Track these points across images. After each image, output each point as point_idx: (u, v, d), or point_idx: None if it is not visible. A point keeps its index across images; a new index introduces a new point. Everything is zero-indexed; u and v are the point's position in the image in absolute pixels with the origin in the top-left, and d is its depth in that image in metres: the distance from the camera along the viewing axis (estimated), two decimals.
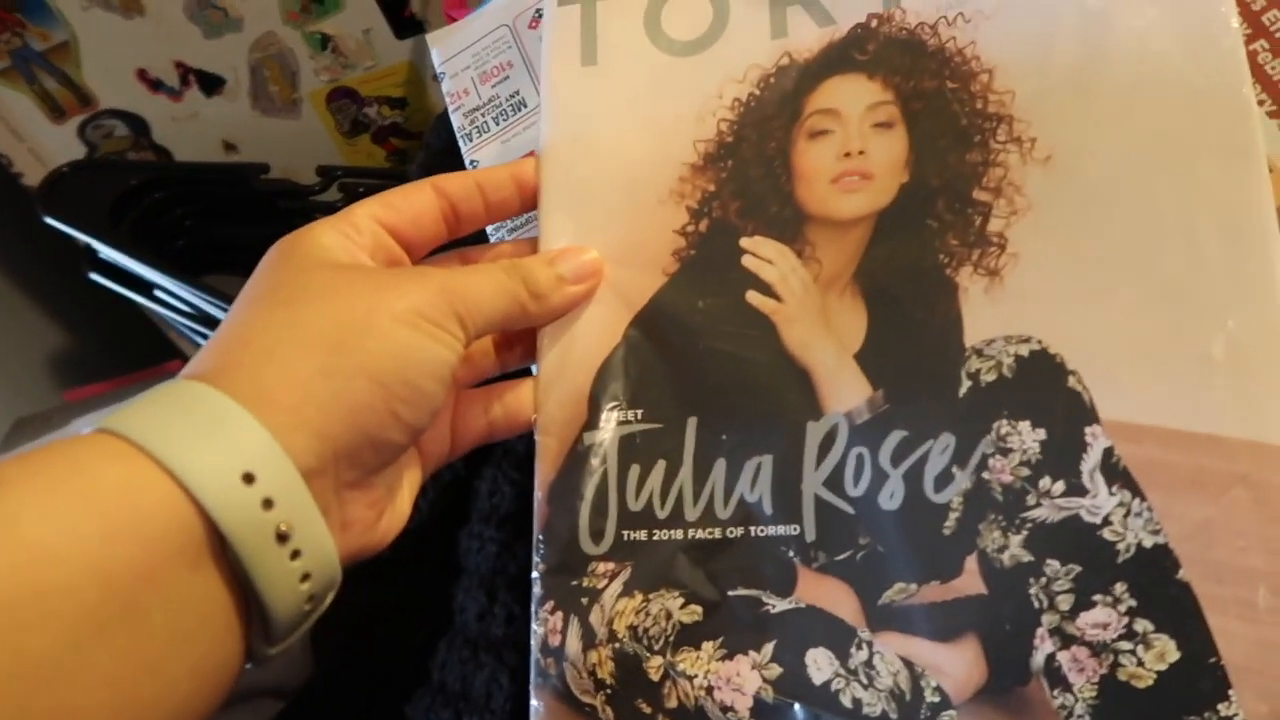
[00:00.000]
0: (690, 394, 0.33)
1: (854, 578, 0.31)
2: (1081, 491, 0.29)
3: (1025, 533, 0.29)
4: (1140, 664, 0.28)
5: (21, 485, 0.22)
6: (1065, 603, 0.28)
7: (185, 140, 0.87)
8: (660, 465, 0.33)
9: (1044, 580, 0.29)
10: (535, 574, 0.34)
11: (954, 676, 0.29)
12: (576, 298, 0.34)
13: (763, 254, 0.34)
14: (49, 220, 0.71)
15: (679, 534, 0.32)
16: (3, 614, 0.20)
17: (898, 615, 0.30)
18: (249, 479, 0.24)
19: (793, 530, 0.31)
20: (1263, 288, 0.28)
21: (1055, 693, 0.28)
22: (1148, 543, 0.28)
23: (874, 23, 0.34)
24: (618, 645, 0.32)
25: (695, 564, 0.32)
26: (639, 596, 0.32)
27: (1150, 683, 0.27)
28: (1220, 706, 0.27)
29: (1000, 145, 0.31)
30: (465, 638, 0.43)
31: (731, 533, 0.32)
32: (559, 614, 0.33)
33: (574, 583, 0.33)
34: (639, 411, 0.34)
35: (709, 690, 0.31)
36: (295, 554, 0.25)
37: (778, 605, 0.31)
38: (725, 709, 0.30)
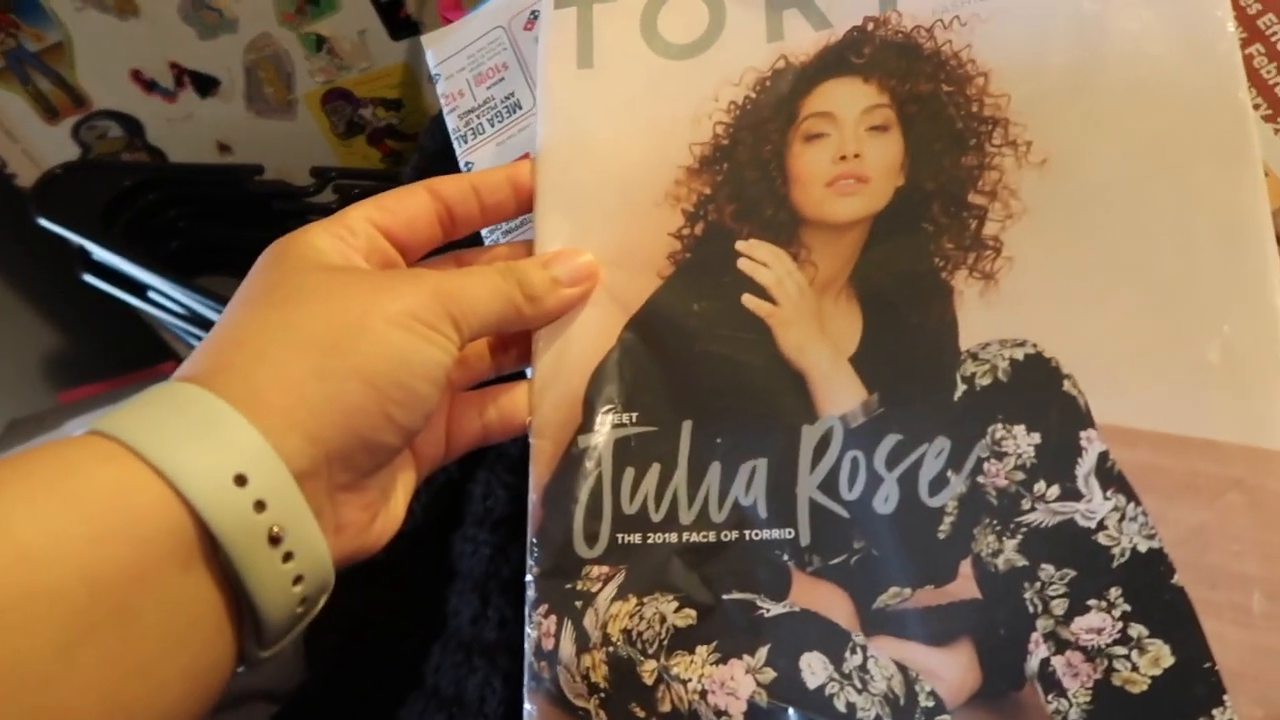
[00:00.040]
0: (685, 397, 0.33)
1: (848, 582, 0.31)
2: (1076, 496, 0.29)
3: (1020, 537, 0.29)
4: (1135, 669, 0.27)
5: (13, 487, 0.22)
6: (1060, 607, 0.28)
7: (179, 141, 0.87)
8: (655, 468, 0.33)
9: (1038, 585, 0.29)
10: (529, 577, 0.33)
11: (948, 681, 0.29)
12: (571, 300, 0.34)
13: (758, 257, 0.34)
14: (42, 222, 0.71)
15: (673, 537, 0.32)
16: None
17: (892, 619, 0.30)
18: (241, 481, 0.24)
19: (787, 534, 0.31)
20: (1258, 292, 0.28)
21: (1050, 698, 0.28)
22: (1142, 547, 0.28)
23: (870, 26, 0.34)
24: (612, 649, 0.32)
25: (690, 567, 0.32)
26: (633, 600, 0.32)
27: (1145, 688, 0.27)
28: (1215, 712, 0.27)
29: (996, 149, 0.31)
30: (459, 641, 0.42)
31: (726, 536, 0.32)
32: (553, 617, 0.33)
33: (568, 586, 0.33)
34: (634, 414, 0.34)
35: (703, 694, 0.31)
36: (288, 556, 0.25)
37: (772, 609, 0.31)
38: (719, 713, 0.30)
